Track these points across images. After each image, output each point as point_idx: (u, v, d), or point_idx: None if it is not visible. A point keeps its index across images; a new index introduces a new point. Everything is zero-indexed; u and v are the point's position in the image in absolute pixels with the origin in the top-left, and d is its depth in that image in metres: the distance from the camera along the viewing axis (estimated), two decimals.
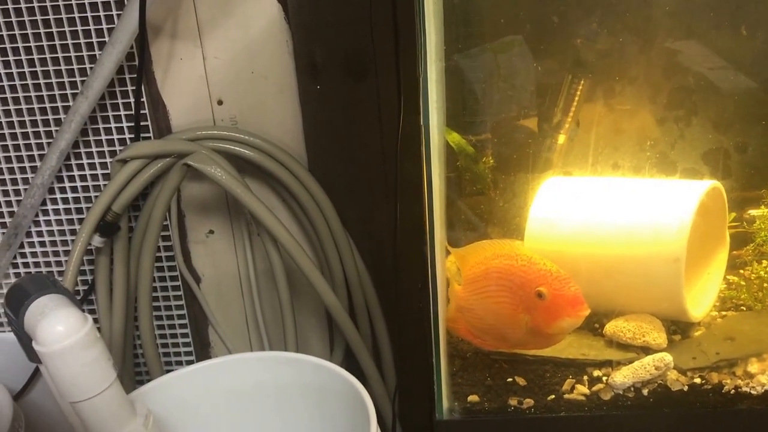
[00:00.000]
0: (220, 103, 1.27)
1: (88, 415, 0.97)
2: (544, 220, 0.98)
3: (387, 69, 1.17)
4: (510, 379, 0.94)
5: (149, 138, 1.27)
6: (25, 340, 0.99)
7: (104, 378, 0.96)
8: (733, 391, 0.92)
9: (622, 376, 0.91)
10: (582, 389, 0.92)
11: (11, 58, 1.23)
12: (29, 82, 1.24)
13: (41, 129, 1.27)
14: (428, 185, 0.78)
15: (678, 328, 1.00)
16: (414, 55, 0.96)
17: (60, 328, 0.95)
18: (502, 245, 0.91)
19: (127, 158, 1.22)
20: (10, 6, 1.20)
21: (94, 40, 1.21)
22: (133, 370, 1.38)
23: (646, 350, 0.95)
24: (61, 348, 0.93)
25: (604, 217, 0.97)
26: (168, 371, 1.37)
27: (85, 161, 1.29)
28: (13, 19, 1.21)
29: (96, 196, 1.30)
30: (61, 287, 1.02)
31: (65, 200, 1.31)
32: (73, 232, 1.33)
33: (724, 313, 1.03)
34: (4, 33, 1.21)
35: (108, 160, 1.28)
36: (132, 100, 1.24)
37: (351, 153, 1.26)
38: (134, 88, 1.22)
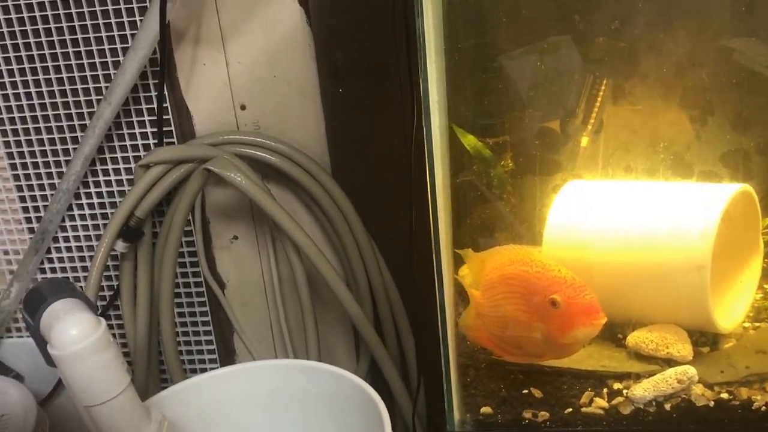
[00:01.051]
0: (243, 107, 1.26)
1: (101, 420, 0.97)
2: (563, 225, 0.95)
3: (407, 71, 1.15)
4: (525, 391, 0.91)
5: (173, 143, 1.27)
6: (42, 344, 0.99)
7: (117, 383, 0.96)
8: (763, 408, 0.87)
9: (642, 390, 0.87)
10: (601, 402, 0.88)
11: (38, 64, 1.24)
12: (55, 88, 1.25)
13: (67, 135, 1.28)
14: (431, 188, 0.76)
15: (707, 339, 0.95)
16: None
17: (73, 331, 0.95)
18: (518, 251, 0.88)
19: (149, 163, 1.22)
20: (37, 13, 1.21)
21: (118, 46, 1.21)
22: (159, 377, 1.37)
23: (670, 362, 0.91)
24: (74, 351, 0.93)
25: (625, 223, 0.93)
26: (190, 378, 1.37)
27: (110, 166, 1.29)
28: (40, 26, 1.22)
29: (121, 201, 1.30)
30: (78, 292, 1.03)
31: (90, 205, 1.32)
32: (98, 237, 1.33)
33: (757, 324, 0.98)
34: (31, 40, 1.23)
35: (132, 165, 1.28)
36: (155, 105, 1.24)
37: (374, 157, 1.25)
38: (157, 93, 1.22)
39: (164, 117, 1.24)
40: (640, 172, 0.96)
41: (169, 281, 1.27)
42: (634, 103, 0.93)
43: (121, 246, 1.24)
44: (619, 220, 0.94)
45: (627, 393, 0.89)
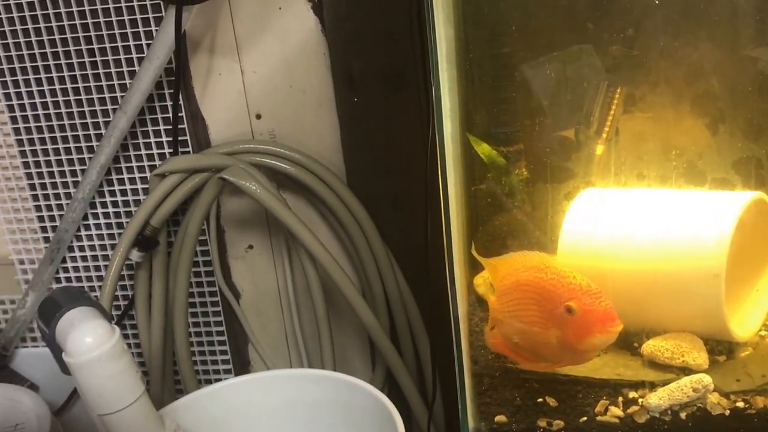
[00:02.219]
0: (258, 117, 1.27)
1: (115, 429, 0.97)
2: (578, 233, 0.94)
3: (423, 80, 1.16)
4: (540, 399, 0.90)
5: (188, 152, 1.27)
6: (57, 352, 1.00)
7: (132, 391, 0.96)
8: None
9: (658, 398, 0.86)
10: (616, 411, 0.88)
11: (54, 74, 1.25)
12: (71, 98, 1.26)
13: (82, 144, 1.29)
14: (444, 196, 0.76)
15: (723, 348, 0.94)
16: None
17: (88, 339, 0.95)
18: (532, 257, 0.87)
19: (165, 173, 1.22)
20: (53, 24, 1.22)
21: (134, 55, 1.22)
22: (173, 386, 1.37)
23: (686, 371, 0.90)
24: (89, 359, 0.94)
25: (640, 231, 0.92)
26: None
27: (125, 176, 1.30)
28: (56, 36, 1.23)
29: (135, 211, 1.31)
30: (92, 300, 1.03)
31: (106, 215, 1.33)
32: (113, 247, 1.34)
33: None
34: (47, 50, 1.24)
35: (148, 174, 1.29)
36: (171, 114, 1.25)
37: (390, 166, 1.25)
38: (173, 102, 1.23)
39: (179, 126, 1.25)
40: (653, 179, 0.96)
41: (184, 290, 1.27)
42: (647, 111, 0.93)
43: (136, 255, 1.25)
44: (634, 228, 0.93)
45: (642, 402, 0.88)
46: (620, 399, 0.89)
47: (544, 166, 0.99)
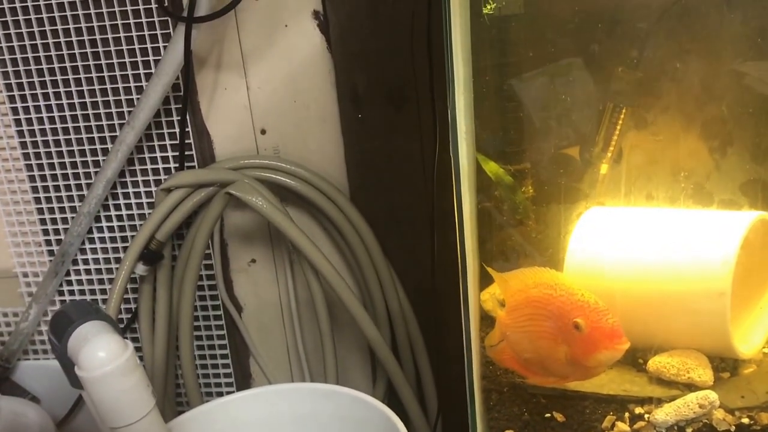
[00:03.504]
0: (263, 132, 1.28)
1: None
2: (584, 251, 0.96)
3: (428, 98, 1.18)
4: (548, 415, 0.92)
5: (193, 167, 1.28)
6: (68, 366, 1.00)
7: (144, 405, 0.97)
8: None
9: (664, 414, 0.88)
10: (623, 427, 0.89)
11: (61, 89, 1.26)
12: (78, 112, 1.28)
13: (88, 158, 1.30)
14: (459, 215, 0.77)
15: (726, 365, 0.96)
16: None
17: (101, 353, 0.96)
18: (543, 273, 0.89)
19: (171, 187, 1.23)
20: (62, 39, 1.23)
21: (141, 71, 1.24)
22: (175, 400, 1.38)
23: (691, 387, 0.92)
24: (102, 373, 0.94)
25: (645, 250, 0.94)
26: (208, 401, 1.38)
27: (130, 190, 1.31)
28: (64, 52, 1.24)
29: (141, 225, 1.32)
30: (104, 314, 1.04)
31: (111, 228, 1.33)
32: (118, 260, 1.35)
33: None
34: (55, 65, 1.25)
35: (153, 188, 1.30)
36: (177, 129, 1.26)
37: (393, 182, 1.27)
38: (179, 118, 1.24)
39: (185, 141, 1.26)
40: (660, 199, 0.98)
41: (190, 304, 1.28)
42: (656, 133, 0.95)
43: (141, 269, 1.25)
44: (640, 247, 0.95)
45: (649, 417, 0.90)
46: (627, 415, 0.91)
47: (549, 185, 1.01)
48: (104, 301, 1.38)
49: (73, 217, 1.33)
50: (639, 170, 0.98)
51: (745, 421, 0.89)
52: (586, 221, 1.00)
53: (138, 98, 1.24)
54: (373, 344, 1.23)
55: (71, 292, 1.38)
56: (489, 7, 0.94)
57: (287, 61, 1.24)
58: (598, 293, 0.88)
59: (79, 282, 1.37)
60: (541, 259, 1.00)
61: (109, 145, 1.28)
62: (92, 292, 1.38)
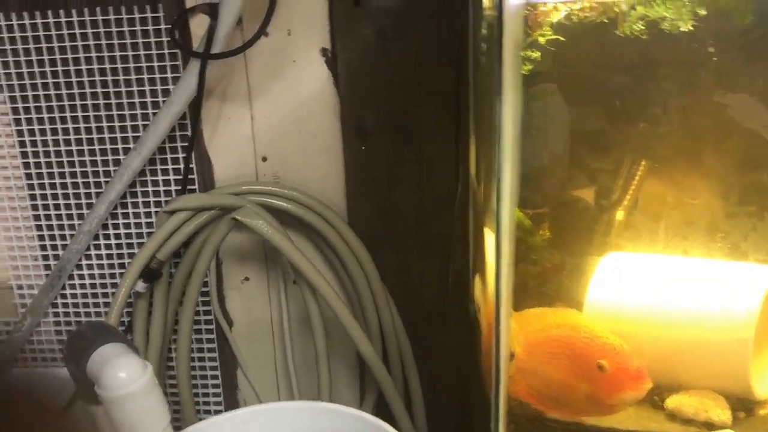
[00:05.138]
0: (264, 159, 1.34)
1: None
2: (603, 297, 1.00)
3: (429, 132, 1.28)
4: None
5: (194, 190, 1.34)
6: (84, 384, 1.06)
7: (161, 423, 1.04)
8: None
9: None
10: None
11: (66, 105, 1.31)
12: (83, 136, 1.33)
13: (90, 179, 1.35)
14: (497, 253, 0.81)
15: (742, 405, 0.99)
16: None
17: (122, 374, 1.02)
18: (564, 315, 0.95)
19: (174, 210, 1.29)
20: (69, 55, 1.28)
21: (148, 99, 1.29)
22: None
23: (710, 427, 0.95)
24: (124, 393, 1.01)
25: (664, 298, 0.98)
26: (197, 412, 1.44)
27: (130, 210, 1.36)
28: (71, 67, 1.29)
29: (138, 243, 1.37)
30: (121, 335, 1.10)
31: (108, 246, 1.38)
32: (113, 276, 1.40)
33: None
34: (63, 91, 1.30)
35: (153, 209, 1.36)
36: (181, 155, 1.31)
37: (391, 210, 1.34)
38: (186, 145, 1.30)
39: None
40: (688, 251, 1.02)
41: (189, 322, 1.34)
42: (694, 197, 1.00)
43: (140, 286, 1.31)
44: (659, 293, 0.99)
45: None
46: None
47: (566, 229, 1.06)
48: (97, 314, 1.43)
49: (72, 234, 1.37)
50: (660, 219, 1.03)
51: None
52: (606, 265, 1.03)
53: (147, 125, 1.29)
54: (367, 360, 1.30)
55: (65, 305, 1.42)
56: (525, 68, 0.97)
57: (293, 94, 1.30)
58: (619, 335, 0.92)
59: (74, 296, 1.42)
60: (559, 302, 1.04)
61: (112, 168, 1.33)
62: (86, 305, 1.43)
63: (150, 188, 1.35)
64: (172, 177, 1.34)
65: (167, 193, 1.35)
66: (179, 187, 1.34)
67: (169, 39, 1.26)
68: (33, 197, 1.36)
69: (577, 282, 1.04)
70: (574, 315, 0.96)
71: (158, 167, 1.34)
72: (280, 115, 1.32)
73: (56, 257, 1.39)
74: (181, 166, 1.33)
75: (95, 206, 1.33)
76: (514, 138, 0.78)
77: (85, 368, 1.06)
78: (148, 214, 1.36)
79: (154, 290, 1.35)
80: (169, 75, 1.28)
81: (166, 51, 1.27)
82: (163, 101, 1.28)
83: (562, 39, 0.97)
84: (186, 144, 1.31)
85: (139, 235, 1.38)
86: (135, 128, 1.31)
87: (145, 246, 1.29)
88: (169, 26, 1.25)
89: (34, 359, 1.46)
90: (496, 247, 0.81)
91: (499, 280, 0.82)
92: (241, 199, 1.31)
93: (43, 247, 1.40)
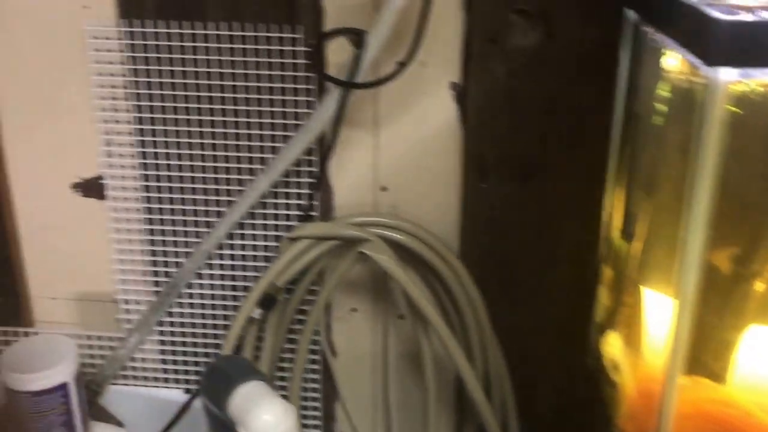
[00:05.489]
0: (383, 189, 1.31)
1: None
2: (751, 370, 0.95)
3: (556, 179, 1.26)
4: None
5: (313, 216, 1.31)
6: (227, 422, 1.03)
7: None
8: None
9: None
10: None
11: (192, 129, 1.28)
12: (206, 152, 1.29)
13: (207, 196, 1.32)
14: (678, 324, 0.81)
15: None
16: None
17: (268, 417, 1.01)
18: (716, 389, 0.92)
19: (299, 237, 1.26)
20: (201, 81, 1.25)
21: (277, 121, 1.26)
22: None
23: None
24: None
25: None
26: None
27: (246, 231, 1.33)
28: (202, 93, 1.26)
29: (251, 267, 1.34)
30: (262, 373, 1.07)
31: (222, 266, 1.35)
32: (223, 298, 1.37)
33: None
34: (191, 105, 1.26)
35: (270, 233, 1.33)
36: (304, 180, 1.29)
37: (505, 250, 1.32)
38: (317, 170, 1.27)
39: (310, 191, 1.29)
40: None
41: (304, 353, 1.31)
42: None
43: (256, 313, 1.28)
44: None
45: None
46: None
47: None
48: (204, 335, 1.40)
49: (183, 252, 1.34)
50: None
51: None
52: (753, 337, 0.98)
53: (268, 146, 1.27)
54: (479, 407, 1.28)
55: (171, 323, 1.39)
56: None
57: (419, 126, 1.27)
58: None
59: (180, 314, 1.39)
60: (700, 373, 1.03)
61: (229, 187, 1.30)
62: (193, 325, 1.39)
63: (269, 211, 1.32)
64: (292, 201, 1.31)
65: (287, 217, 1.32)
66: (300, 213, 1.30)
67: (306, 62, 1.23)
68: (148, 210, 1.33)
69: (723, 353, 1.00)
70: (725, 390, 0.93)
71: (278, 190, 1.30)
72: (403, 146, 1.29)
73: (166, 274, 1.36)
74: (303, 191, 1.30)
75: (217, 226, 1.30)
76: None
77: (225, 406, 1.03)
78: (264, 237, 1.33)
79: (267, 317, 1.32)
80: (299, 98, 1.25)
81: (299, 73, 1.24)
82: (294, 124, 1.25)
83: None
84: (311, 169, 1.28)
85: (255, 258, 1.35)
86: (260, 149, 1.28)
87: (267, 272, 1.26)
88: (308, 49, 1.22)
89: (135, 377, 1.43)
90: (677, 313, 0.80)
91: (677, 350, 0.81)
92: (363, 231, 1.28)
93: (154, 263, 1.36)
